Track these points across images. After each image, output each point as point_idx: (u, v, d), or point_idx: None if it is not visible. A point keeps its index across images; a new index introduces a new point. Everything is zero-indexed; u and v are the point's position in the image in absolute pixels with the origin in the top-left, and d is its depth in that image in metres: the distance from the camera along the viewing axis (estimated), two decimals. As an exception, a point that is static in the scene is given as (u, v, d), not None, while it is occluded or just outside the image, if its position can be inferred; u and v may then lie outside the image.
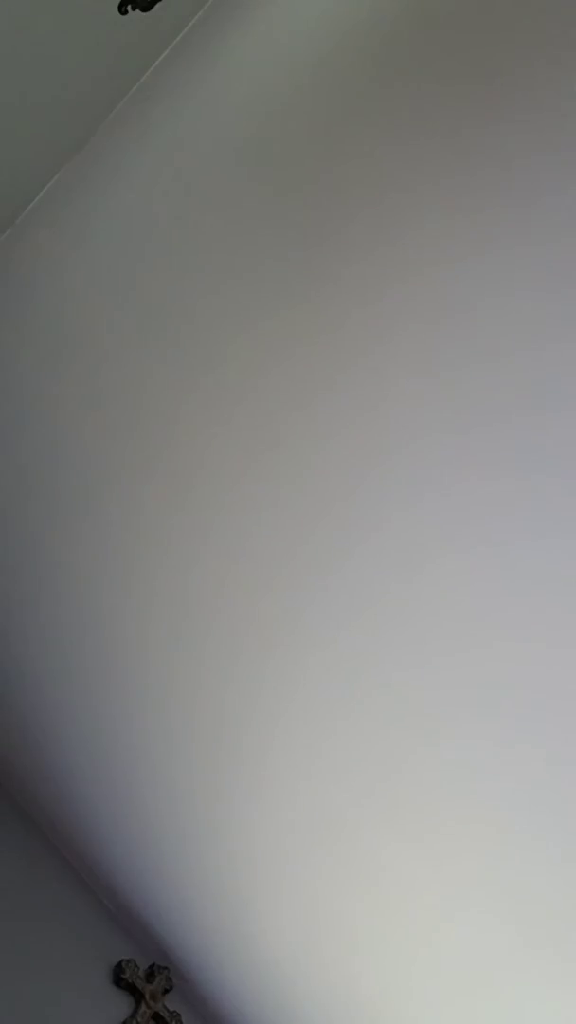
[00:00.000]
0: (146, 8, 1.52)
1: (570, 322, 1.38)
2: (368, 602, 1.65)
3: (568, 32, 1.35)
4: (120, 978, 2.16)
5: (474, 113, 1.44)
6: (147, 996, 2.17)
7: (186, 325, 1.78)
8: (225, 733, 1.94)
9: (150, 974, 2.25)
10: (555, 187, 1.37)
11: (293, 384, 1.66)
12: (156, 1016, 2.16)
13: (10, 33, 1.62)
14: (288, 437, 1.69)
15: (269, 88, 1.67)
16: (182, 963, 2.30)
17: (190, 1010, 2.31)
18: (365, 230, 1.55)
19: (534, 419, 1.43)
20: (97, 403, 1.92)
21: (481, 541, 1.50)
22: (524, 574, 1.47)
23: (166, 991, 2.24)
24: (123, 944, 2.29)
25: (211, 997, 2.30)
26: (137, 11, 1.56)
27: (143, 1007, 2.14)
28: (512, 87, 1.40)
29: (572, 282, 1.37)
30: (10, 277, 1.99)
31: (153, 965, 2.28)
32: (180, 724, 2.01)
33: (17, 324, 1.99)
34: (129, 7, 1.52)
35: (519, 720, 1.52)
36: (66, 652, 2.14)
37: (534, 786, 1.54)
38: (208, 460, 1.80)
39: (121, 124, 1.86)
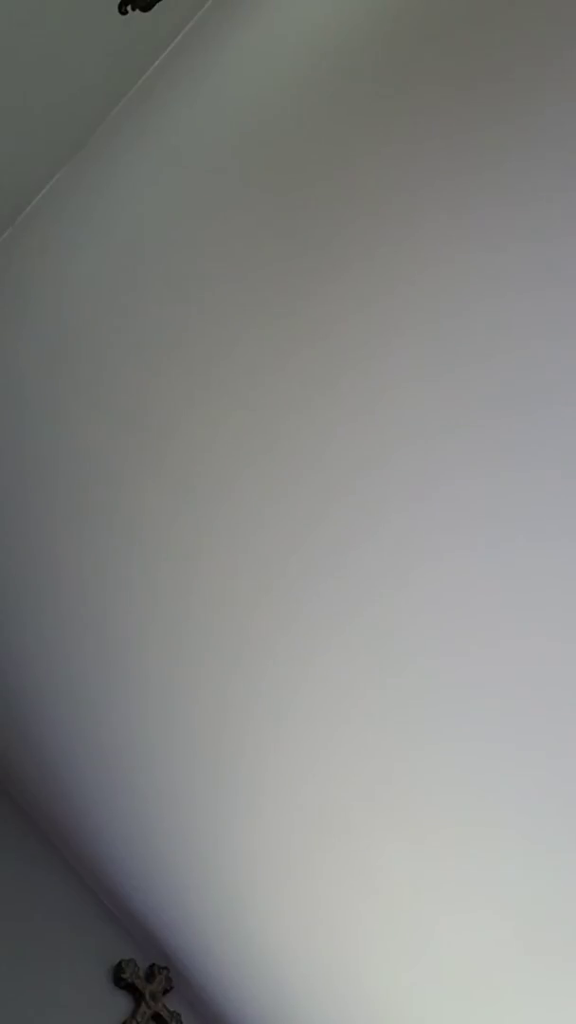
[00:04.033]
0: (146, 8, 1.52)
1: (569, 322, 1.38)
2: (368, 602, 1.65)
3: (568, 32, 1.35)
4: (120, 978, 2.16)
5: (474, 114, 1.44)
6: (147, 996, 2.17)
7: (186, 325, 1.78)
8: (226, 733, 1.94)
9: (150, 974, 2.25)
10: (554, 187, 1.37)
11: (293, 384, 1.67)
12: (156, 1016, 2.16)
13: (10, 33, 1.62)
14: (288, 437, 1.69)
15: (269, 88, 1.67)
16: (182, 963, 2.30)
17: (190, 1010, 2.31)
18: (365, 231, 1.55)
19: (534, 417, 1.43)
20: (97, 403, 1.92)
21: (483, 540, 1.50)
22: (524, 573, 1.47)
23: (166, 991, 2.24)
24: (123, 944, 2.29)
25: (211, 997, 2.30)
26: (137, 11, 1.55)
27: (143, 1007, 2.14)
28: (513, 86, 1.40)
29: (571, 282, 1.37)
30: (10, 277, 1.99)
31: (153, 965, 2.28)
32: (181, 724, 2.01)
33: (17, 324, 1.99)
34: (129, 7, 1.51)
35: (520, 720, 1.52)
36: (66, 651, 2.14)
37: (535, 786, 1.54)
38: (209, 460, 1.80)
39: (121, 124, 1.86)
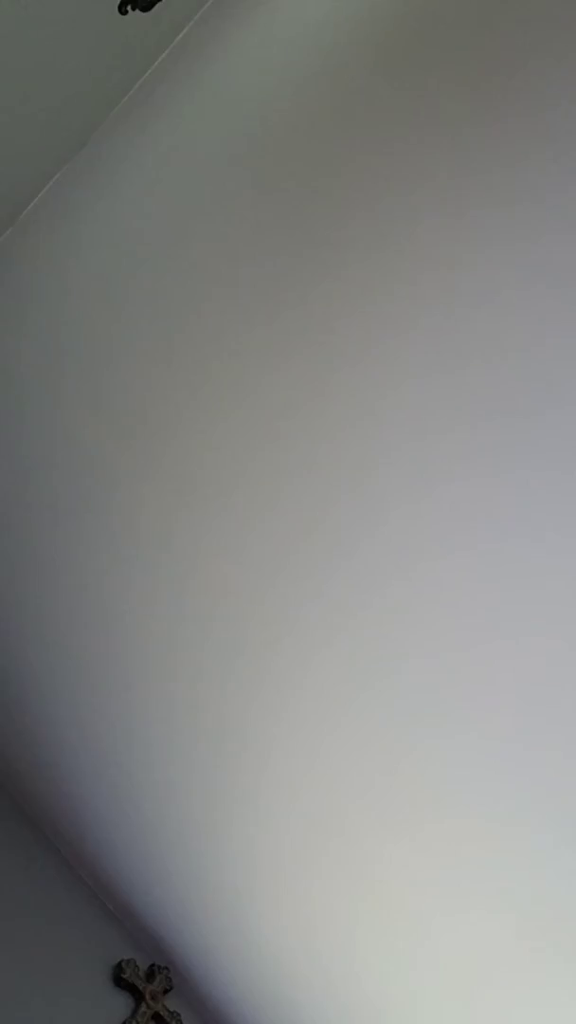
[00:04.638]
0: (146, 8, 1.52)
1: (568, 321, 1.38)
2: (368, 601, 1.65)
3: (569, 31, 1.35)
4: (120, 978, 2.16)
5: (474, 113, 1.44)
6: (147, 996, 2.17)
7: (186, 325, 1.78)
8: (225, 733, 1.94)
9: (150, 974, 2.25)
10: (555, 185, 1.37)
11: (293, 384, 1.67)
12: (156, 1016, 2.16)
13: (10, 33, 1.62)
14: (289, 436, 1.69)
15: (269, 88, 1.68)
16: (182, 963, 2.30)
17: (190, 1010, 2.30)
18: (365, 230, 1.56)
19: (533, 416, 1.43)
20: (97, 403, 1.92)
21: (481, 539, 1.50)
22: (523, 572, 1.47)
23: (166, 991, 2.24)
24: (123, 944, 2.29)
25: (211, 997, 2.30)
26: (137, 11, 1.56)
27: (143, 1007, 2.14)
28: (512, 86, 1.40)
29: (571, 281, 1.37)
30: (10, 277, 1.99)
31: (153, 965, 2.28)
32: (181, 723, 2.01)
33: (17, 324, 1.99)
34: (129, 7, 1.52)
35: (519, 718, 1.53)
36: (67, 651, 2.14)
37: (534, 784, 1.54)
38: (209, 459, 1.80)
39: (121, 124, 1.86)
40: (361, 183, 1.56)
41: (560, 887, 1.56)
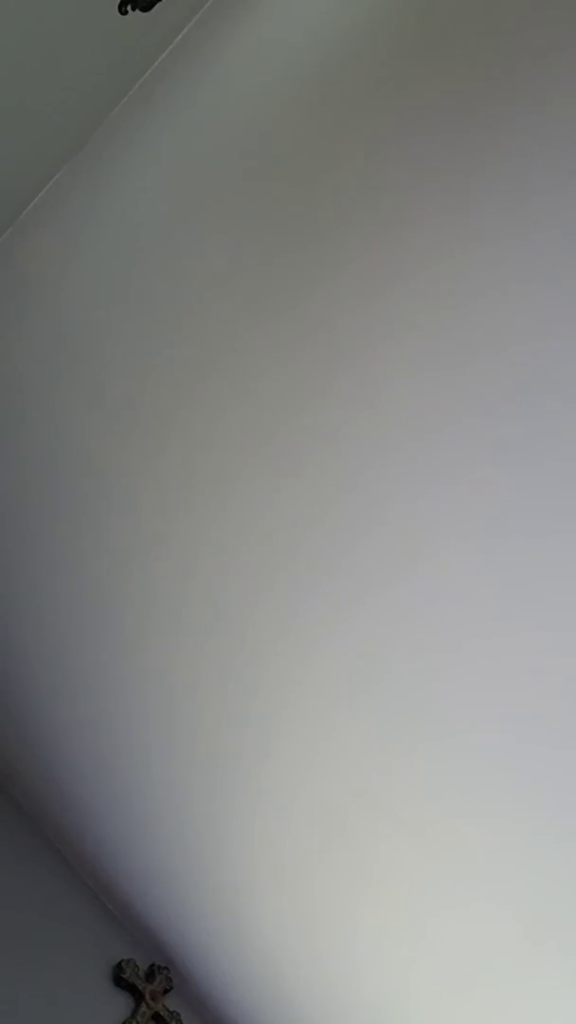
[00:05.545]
0: (146, 8, 1.52)
1: (567, 319, 1.38)
2: (367, 600, 1.65)
3: (569, 31, 1.35)
4: (120, 978, 2.16)
5: (474, 112, 1.44)
6: (147, 996, 2.16)
7: (186, 324, 1.79)
8: (225, 732, 1.94)
9: (150, 974, 2.25)
10: (553, 185, 1.37)
11: (292, 382, 1.67)
12: (156, 1016, 2.16)
13: (11, 33, 1.62)
14: (288, 434, 1.69)
15: (269, 88, 1.68)
16: (182, 963, 2.30)
17: (190, 1010, 2.30)
18: (365, 228, 1.56)
19: (533, 413, 1.43)
20: (97, 403, 1.92)
21: (481, 537, 1.50)
22: (523, 569, 1.47)
23: (166, 991, 2.24)
24: (123, 944, 2.29)
25: (211, 997, 2.30)
26: (137, 11, 1.56)
27: (143, 1007, 2.14)
28: (512, 87, 1.41)
29: (569, 279, 1.37)
30: (10, 277, 1.99)
31: (153, 965, 2.28)
32: (180, 723, 2.01)
33: (17, 324, 1.99)
34: (129, 7, 1.52)
35: (519, 716, 1.53)
36: (66, 652, 2.14)
37: (533, 783, 1.54)
38: (208, 459, 1.80)
39: (121, 124, 1.86)
40: (361, 182, 1.56)
41: (560, 886, 1.56)
